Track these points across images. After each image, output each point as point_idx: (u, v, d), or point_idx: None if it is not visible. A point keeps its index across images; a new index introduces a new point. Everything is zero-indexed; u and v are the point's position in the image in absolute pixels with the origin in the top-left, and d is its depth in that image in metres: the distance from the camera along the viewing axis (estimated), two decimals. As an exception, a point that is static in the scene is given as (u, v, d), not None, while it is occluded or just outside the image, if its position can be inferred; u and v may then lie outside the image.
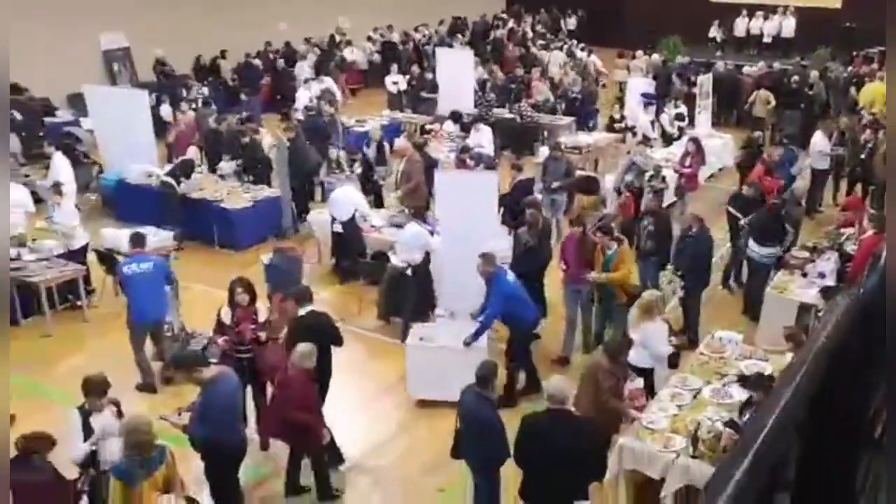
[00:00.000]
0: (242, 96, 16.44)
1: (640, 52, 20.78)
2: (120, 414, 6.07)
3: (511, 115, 16.38)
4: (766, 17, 24.71)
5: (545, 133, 16.33)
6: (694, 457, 6.21)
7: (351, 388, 8.38)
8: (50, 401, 8.26)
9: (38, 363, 8.89)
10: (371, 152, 12.76)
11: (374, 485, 7.24)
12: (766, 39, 24.54)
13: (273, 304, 8.13)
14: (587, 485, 5.70)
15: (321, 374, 7.04)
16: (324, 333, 7.05)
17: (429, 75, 18.17)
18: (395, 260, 9.85)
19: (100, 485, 5.51)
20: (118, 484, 5.25)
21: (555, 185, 11.69)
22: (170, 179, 12.03)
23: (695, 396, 7.04)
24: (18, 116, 14.78)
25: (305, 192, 13.09)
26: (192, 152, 12.77)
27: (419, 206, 11.13)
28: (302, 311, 7.17)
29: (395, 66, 19.28)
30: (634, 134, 15.36)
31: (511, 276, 8.17)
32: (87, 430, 5.90)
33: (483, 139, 13.92)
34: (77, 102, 15.68)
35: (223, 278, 10.37)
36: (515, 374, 8.20)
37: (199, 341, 8.88)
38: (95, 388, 6.02)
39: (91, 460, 5.87)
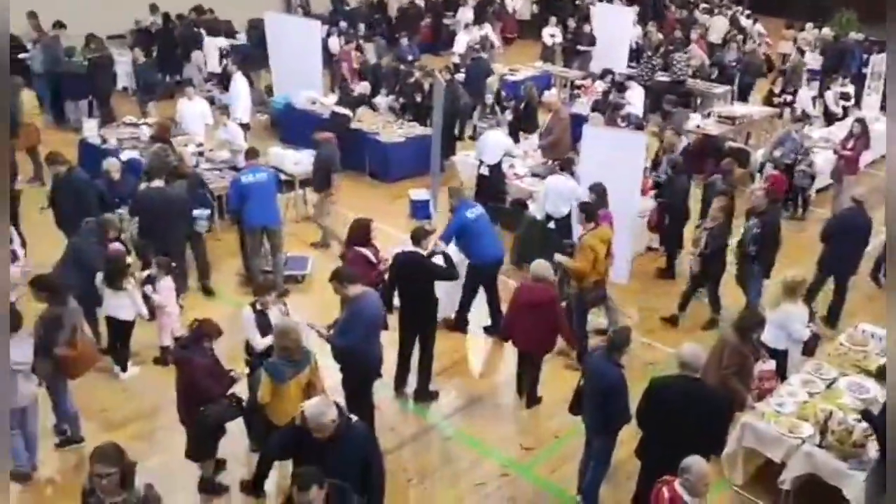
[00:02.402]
0: (404, 41, 16.50)
1: (809, 25, 19.30)
2: (287, 313, 6.39)
3: (664, 78, 15.65)
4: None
5: (698, 100, 15.57)
6: (821, 446, 5.92)
7: (478, 328, 8.47)
8: (215, 298, 8.84)
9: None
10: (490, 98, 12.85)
11: (490, 422, 7.28)
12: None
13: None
14: (706, 455, 5.52)
15: (423, 309, 7.14)
16: (417, 271, 7.07)
17: (587, 28, 17.61)
18: (534, 210, 9.74)
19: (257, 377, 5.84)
20: (268, 379, 5.57)
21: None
22: (343, 110, 12.31)
23: (828, 386, 6.69)
24: (206, 35, 15.51)
25: (453, 133, 13.11)
26: (364, 87, 13.04)
27: (560, 159, 10.95)
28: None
29: (553, 19, 18.79)
30: (793, 109, 14.38)
31: (473, 212, 8.11)
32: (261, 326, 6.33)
33: (634, 98, 13.44)
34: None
35: (370, 206, 10.65)
36: (466, 309, 8.37)
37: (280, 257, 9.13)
38: (263, 289, 6.44)
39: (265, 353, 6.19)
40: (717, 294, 8.67)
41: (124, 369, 7.45)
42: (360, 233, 7.44)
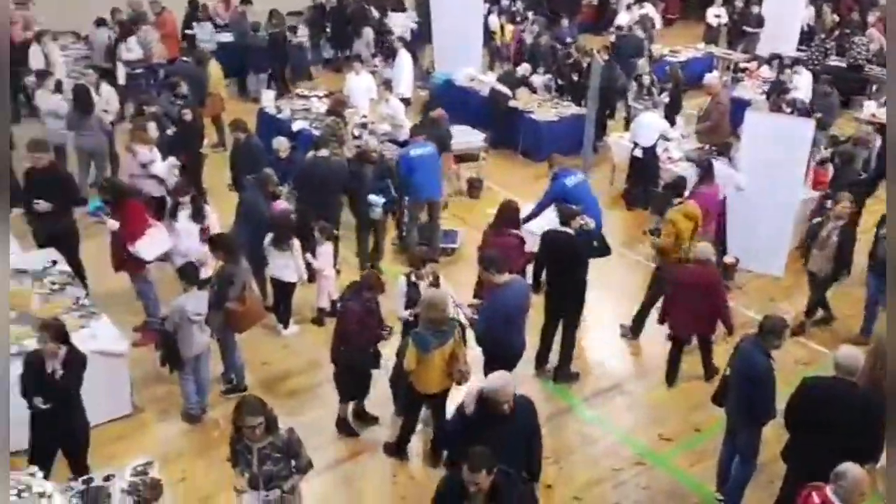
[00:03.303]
0: (564, 21, 16.08)
1: None
2: (433, 284, 6.43)
3: (838, 63, 14.34)
4: None
5: (873, 87, 14.18)
6: None
7: (622, 313, 8.19)
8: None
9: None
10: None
11: (628, 408, 7.06)
12: None
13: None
14: (859, 464, 5.08)
15: (571, 291, 6.99)
16: (567, 252, 6.92)
17: (755, 9, 16.43)
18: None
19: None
20: (414, 348, 5.64)
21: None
22: (503, 88, 12.24)
23: None
24: (376, 14, 15.81)
25: (605, 113, 12.68)
26: (525, 68, 12.91)
27: (718, 143, 10.36)
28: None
29: (719, -1, 17.67)
30: None
31: (574, 181, 8.00)
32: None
33: (801, 83, 12.42)
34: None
35: (518, 184, 10.53)
36: None
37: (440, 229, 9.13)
38: (419, 260, 6.53)
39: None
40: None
41: (286, 327, 7.82)
42: (510, 215, 7.34)
